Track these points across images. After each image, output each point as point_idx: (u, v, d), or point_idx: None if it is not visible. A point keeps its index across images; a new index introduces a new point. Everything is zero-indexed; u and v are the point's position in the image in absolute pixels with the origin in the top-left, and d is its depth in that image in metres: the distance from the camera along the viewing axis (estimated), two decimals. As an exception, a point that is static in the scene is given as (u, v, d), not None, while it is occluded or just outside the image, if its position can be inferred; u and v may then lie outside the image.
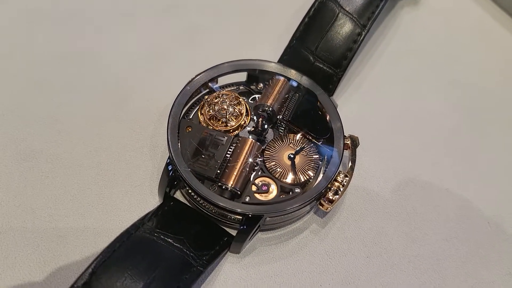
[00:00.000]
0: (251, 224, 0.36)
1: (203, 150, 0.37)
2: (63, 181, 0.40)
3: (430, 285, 0.38)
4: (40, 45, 0.47)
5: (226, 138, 0.38)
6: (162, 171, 0.38)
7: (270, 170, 0.37)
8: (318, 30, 0.44)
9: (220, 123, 0.39)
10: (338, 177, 0.38)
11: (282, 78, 0.41)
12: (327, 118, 0.40)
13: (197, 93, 0.41)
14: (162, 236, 0.34)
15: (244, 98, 0.41)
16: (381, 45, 0.51)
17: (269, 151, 0.38)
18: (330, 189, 0.38)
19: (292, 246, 0.39)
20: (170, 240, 0.34)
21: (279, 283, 0.37)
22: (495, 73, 0.51)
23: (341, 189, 0.38)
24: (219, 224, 0.38)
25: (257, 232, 0.39)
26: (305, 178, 0.38)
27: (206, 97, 0.40)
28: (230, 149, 0.38)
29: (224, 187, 0.37)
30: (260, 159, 0.38)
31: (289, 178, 0.37)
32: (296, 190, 0.37)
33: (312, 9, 0.45)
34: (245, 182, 0.37)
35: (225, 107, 0.39)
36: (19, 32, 0.48)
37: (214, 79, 0.41)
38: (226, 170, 0.37)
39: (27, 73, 0.45)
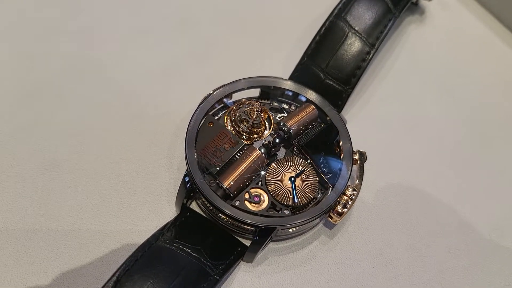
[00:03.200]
0: (264, 235, 0.38)
1: (215, 147, 0.40)
2: (84, 191, 0.42)
3: (433, 295, 0.41)
4: (59, 59, 0.49)
5: (238, 142, 0.40)
6: (178, 182, 0.40)
7: (272, 193, 0.39)
8: (329, 48, 0.46)
9: (241, 128, 0.41)
10: (347, 191, 0.40)
11: (311, 106, 0.43)
12: (341, 156, 0.41)
13: (213, 108, 0.43)
14: (180, 246, 0.36)
15: (273, 113, 0.43)
16: (389, 61, 0.53)
17: (270, 174, 0.40)
18: (339, 203, 0.39)
19: (302, 256, 0.41)
20: (188, 250, 0.36)
21: (290, 291, 0.39)
22: (499, 88, 0.52)
23: (350, 203, 0.40)
24: (234, 234, 0.40)
25: (269, 243, 0.41)
26: (305, 201, 0.39)
27: (236, 103, 0.42)
28: (238, 154, 0.40)
29: (220, 185, 0.39)
30: (263, 172, 0.40)
31: (290, 200, 0.39)
32: (285, 212, 0.39)
33: (323, 28, 0.47)
34: (240, 188, 0.39)
35: (251, 115, 0.41)
36: (40, 47, 0.50)
37: (229, 95, 0.43)
38: (227, 171, 0.39)
39: (49, 87, 0.47)
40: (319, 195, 0.40)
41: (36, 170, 0.43)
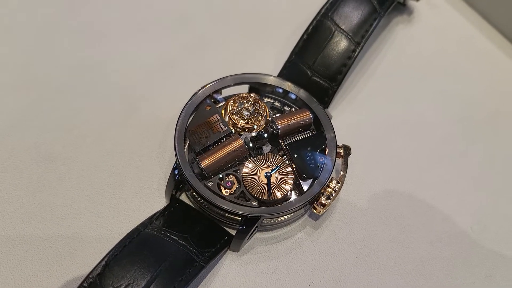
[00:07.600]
0: (249, 224, 0.39)
1: (205, 128, 0.42)
2: (78, 182, 0.44)
3: (414, 285, 0.41)
4: (57, 55, 0.51)
5: (225, 128, 0.42)
6: (169, 174, 0.42)
7: (248, 188, 0.40)
8: (316, 46, 0.48)
9: (235, 117, 0.43)
10: (331, 183, 0.41)
11: (307, 112, 0.44)
12: (320, 161, 0.42)
13: (202, 103, 0.45)
14: (168, 234, 0.38)
15: (271, 112, 0.45)
16: (376, 59, 0.55)
17: (248, 168, 0.41)
18: (323, 194, 0.41)
19: (287, 246, 0.42)
20: (176, 238, 0.38)
21: (275, 279, 0.41)
22: (485, 86, 0.54)
23: (333, 194, 0.41)
24: (220, 224, 0.41)
25: (255, 232, 0.42)
26: (282, 195, 0.40)
27: (237, 96, 0.44)
28: (223, 139, 0.42)
29: (198, 164, 0.41)
30: (244, 162, 0.41)
31: (266, 195, 0.40)
32: (253, 203, 0.40)
33: (310, 27, 0.48)
34: (216, 171, 0.41)
35: (248, 108, 0.43)
36: (38, 44, 0.52)
37: (218, 91, 0.45)
38: (208, 153, 0.41)
39: (46, 82, 0.49)
40: (292, 197, 0.41)
41: (33, 162, 0.44)
